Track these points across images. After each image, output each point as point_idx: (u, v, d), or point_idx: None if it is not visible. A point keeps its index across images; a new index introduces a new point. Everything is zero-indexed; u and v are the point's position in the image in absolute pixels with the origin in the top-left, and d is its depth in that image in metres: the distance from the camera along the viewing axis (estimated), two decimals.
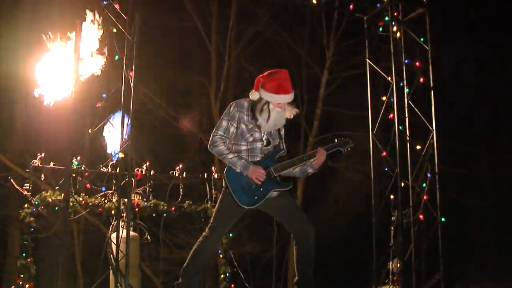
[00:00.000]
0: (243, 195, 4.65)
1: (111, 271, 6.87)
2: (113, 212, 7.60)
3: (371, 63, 8.52)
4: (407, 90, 8.10)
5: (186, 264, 4.76)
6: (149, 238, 8.10)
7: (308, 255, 4.79)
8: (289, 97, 4.79)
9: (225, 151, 4.67)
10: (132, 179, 6.89)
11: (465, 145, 15.54)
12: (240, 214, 4.86)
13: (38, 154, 7.53)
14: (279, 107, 4.76)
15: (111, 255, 6.70)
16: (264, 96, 4.74)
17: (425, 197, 7.99)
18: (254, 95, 4.79)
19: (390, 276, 7.85)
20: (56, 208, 7.49)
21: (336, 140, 4.99)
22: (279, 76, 4.80)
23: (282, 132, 4.96)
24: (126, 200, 6.57)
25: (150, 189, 8.02)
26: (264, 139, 4.81)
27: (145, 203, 7.91)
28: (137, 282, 7.49)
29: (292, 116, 4.91)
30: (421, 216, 8.00)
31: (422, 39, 8.24)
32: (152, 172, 8.00)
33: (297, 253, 4.84)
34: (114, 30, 6.58)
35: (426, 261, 8.06)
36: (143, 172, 7.91)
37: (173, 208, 8.13)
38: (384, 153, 8.15)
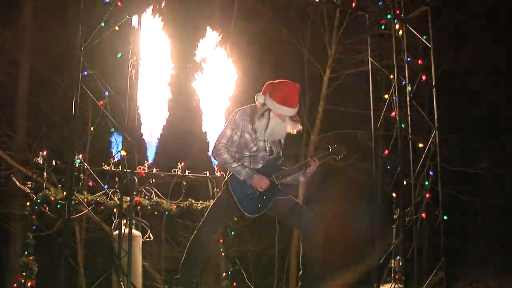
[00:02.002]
0: (248, 203, 4.72)
1: (113, 269, 6.87)
2: (115, 210, 7.61)
3: (373, 61, 8.51)
4: (409, 88, 8.09)
5: (183, 259, 4.84)
6: (151, 236, 8.10)
7: (315, 252, 4.85)
8: (292, 111, 4.79)
9: (229, 160, 4.70)
10: (135, 177, 6.88)
11: (467, 143, 15.53)
12: (236, 216, 4.94)
13: (40, 152, 7.53)
14: (280, 118, 4.76)
15: (114, 253, 6.71)
16: (267, 103, 4.74)
17: (427, 195, 7.99)
18: (259, 99, 4.78)
19: (392, 274, 7.85)
20: (58, 206, 7.49)
21: (330, 148, 5.03)
22: (288, 88, 4.79)
23: (282, 141, 4.97)
24: (128, 198, 6.57)
25: (152, 187, 8.02)
26: (267, 148, 4.83)
27: (147, 201, 7.91)
28: (138, 281, 7.49)
29: (294, 132, 4.92)
30: (423, 214, 8.00)
31: (424, 37, 8.23)
32: (154, 170, 8.00)
33: (303, 250, 4.91)
34: (116, 28, 6.58)
35: (428, 259, 8.07)
36: (146, 170, 7.91)
37: (175, 206, 8.12)
38: (386, 151, 8.15)
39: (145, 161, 7.95)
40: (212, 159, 7.27)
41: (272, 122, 4.73)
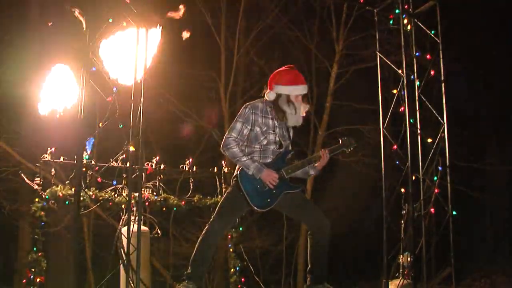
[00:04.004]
0: (257, 198, 4.72)
1: (121, 265, 6.88)
2: (123, 206, 7.62)
3: (381, 56, 8.48)
4: (418, 83, 8.05)
5: (193, 255, 4.84)
6: (159, 232, 8.11)
7: (323, 247, 4.88)
8: (306, 87, 4.90)
9: (239, 154, 4.71)
10: (143, 173, 6.89)
11: (476, 138, 15.50)
12: (246, 211, 4.94)
13: (48, 148, 7.54)
14: (297, 100, 4.80)
15: (121, 250, 6.71)
16: (282, 91, 4.80)
17: (436, 191, 7.96)
18: (270, 95, 4.83)
19: (401, 270, 7.83)
20: (67, 202, 7.51)
21: (340, 141, 5.04)
22: (290, 70, 4.90)
23: (291, 133, 4.98)
24: (136, 194, 6.58)
25: (160, 183, 8.03)
26: (277, 141, 4.84)
27: (155, 197, 7.92)
28: (147, 277, 7.50)
29: (304, 114, 4.94)
30: (432, 210, 7.97)
31: (432, 32, 8.19)
32: (162, 166, 8.01)
33: (311, 244, 4.92)
34: (125, 24, 6.57)
35: (437, 254, 8.05)
36: (153, 166, 7.92)
37: (183, 202, 8.14)
38: (395, 147, 8.12)
39: (153, 157, 7.96)
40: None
41: (297, 107, 4.82)
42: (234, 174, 4.84)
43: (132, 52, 6.28)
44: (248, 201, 4.68)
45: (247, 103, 4.88)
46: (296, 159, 4.94)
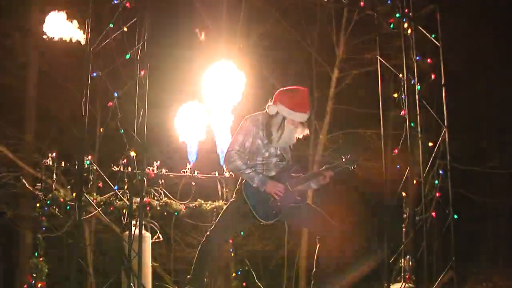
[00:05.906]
0: (262, 210, 4.68)
1: (123, 270, 6.88)
2: (124, 211, 7.62)
3: (382, 60, 8.47)
4: (419, 87, 8.05)
5: (194, 262, 4.83)
6: (160, 237, 8.11)
7: (331, 252, 4.85)
8: (306, 116, 4.80)
9: (242, 166, 4.68)
10: (144, 178, 6.89)
11: (477, 141, 15.48)
12: (250, 223, 4.91)
13: (50, 153, 7.55)
14: (292, 124, 4.76)
15: (124, 254, 6.71)
16: (281, 111, 4.74)
17: (437, 194, 7.95)
18: (271, 109, 4.78)
19: (402, 274, 7.82)
20: (68, 207, 7.51)
21: (343, 159, 4.98)
22: (299, 94, 4.81)
23: (291, 146, 4.97)
24: (138, 199, 6.58)
25: (162, 188, 8.03)
26: (278, 154, 4.82)
27: (157, 202, 7.92)
28: (148, 282, 7.50)
29: (301, 136, 4.92)
30: (433, 213, 7.96)
31: (433, 36, 8.19)
32: (163, 171, 8.00)
33: (319, 247, 4.88)
34: (125, 29, 6.58)
35: (438, 258, 8.04)
36: (155, 171, 7.92)
37: (184, 207, 8.13)
38: (396, 150, 8.11)
39: (154, 161, 7.96)
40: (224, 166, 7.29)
41: (286, 130, 4.74)
42: (237, 187, 4.81)
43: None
44: (254, 214, 4.64)
45: (247, 116, 4.85)
46: (299, 171, 4.91)
